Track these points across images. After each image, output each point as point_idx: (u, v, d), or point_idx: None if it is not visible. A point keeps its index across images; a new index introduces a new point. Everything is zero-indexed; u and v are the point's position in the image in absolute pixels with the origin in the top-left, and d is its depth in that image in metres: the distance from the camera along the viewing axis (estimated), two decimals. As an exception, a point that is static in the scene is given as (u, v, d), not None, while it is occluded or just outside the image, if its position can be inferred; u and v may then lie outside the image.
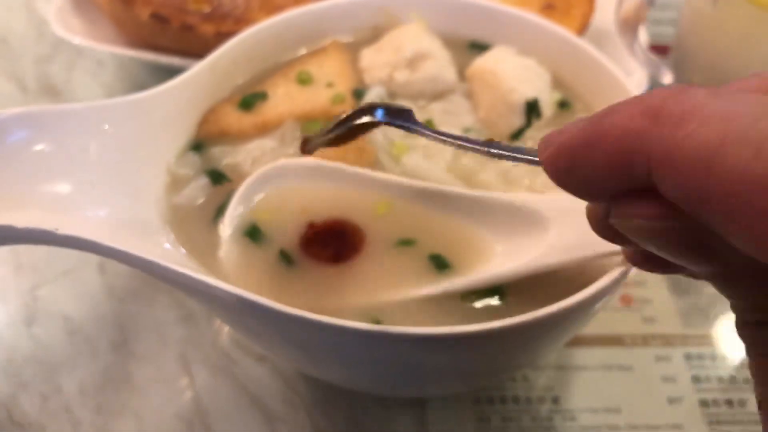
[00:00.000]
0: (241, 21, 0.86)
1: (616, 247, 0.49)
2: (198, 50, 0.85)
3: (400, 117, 0.49)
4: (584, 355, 0.67)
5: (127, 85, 0.96)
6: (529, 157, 0.38)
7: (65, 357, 0.66)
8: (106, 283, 0.72)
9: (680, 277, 0.74)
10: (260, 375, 0.65)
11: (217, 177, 0.59)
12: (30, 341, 0.67)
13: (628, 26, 0.76)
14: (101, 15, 0.91)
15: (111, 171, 0.54)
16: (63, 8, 0.92)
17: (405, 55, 0.67)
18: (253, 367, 0.66)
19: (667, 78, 0.86)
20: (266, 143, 0.61)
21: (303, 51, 0.71)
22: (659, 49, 0.91)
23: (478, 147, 0.42)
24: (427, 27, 0.70)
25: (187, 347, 0.67)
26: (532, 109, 0.64)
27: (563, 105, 0.67)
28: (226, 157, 0.60)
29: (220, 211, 0.56)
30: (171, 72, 0.90)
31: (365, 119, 0.49)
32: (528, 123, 0.64)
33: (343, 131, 0.50)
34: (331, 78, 0.67)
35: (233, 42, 0.65)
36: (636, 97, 0.30)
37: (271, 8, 0.89)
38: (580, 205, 0.52)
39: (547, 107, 0.65)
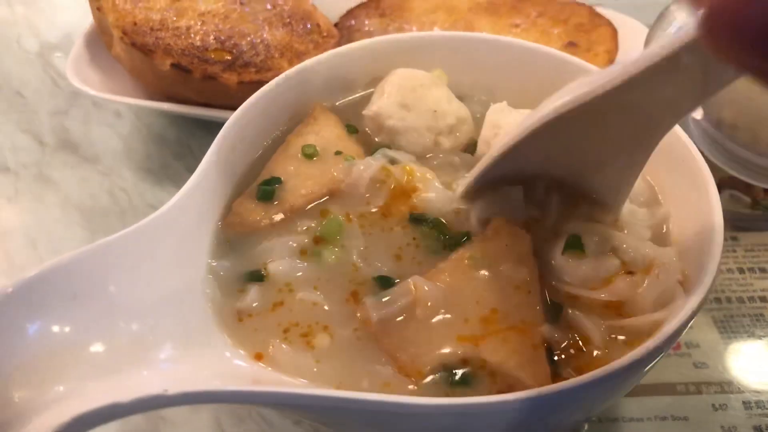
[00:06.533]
0: (263, 69, 0.85)
1: None
2: (220, 100, 0.84)
3: None
4: (636, 406, 0.64)
5: (146, 135, 0.94)
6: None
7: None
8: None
9: (727, 317, 0.71)
10: (299, 439, 0.62)
11: (259, 278, 0.55)
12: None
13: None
14: (117, 66, 0.90)
15: (155, 306, 0.47)
16: (78, 59, 0.91)
17: (448, 122, 0.64)
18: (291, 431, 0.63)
19: (698, 113, 0.84)
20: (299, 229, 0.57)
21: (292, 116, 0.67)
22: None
23: None
24: (446, 81, 0.68)
25: (221, 411, 0.64)
26: None
27: None
28: (265, 254, 0.56)
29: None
30: (190, 121, 0.89)
31: None
32: None
33: None
34: (333, 145, 0.63)
35: (228, 124, 0.59)
36: None
37: (292, 55, 0.88)
38: None
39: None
